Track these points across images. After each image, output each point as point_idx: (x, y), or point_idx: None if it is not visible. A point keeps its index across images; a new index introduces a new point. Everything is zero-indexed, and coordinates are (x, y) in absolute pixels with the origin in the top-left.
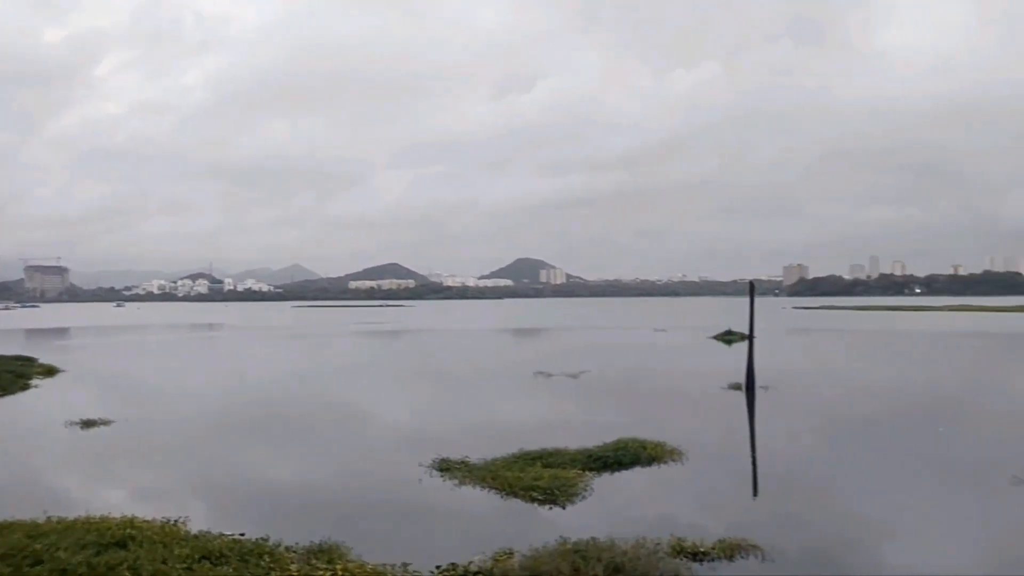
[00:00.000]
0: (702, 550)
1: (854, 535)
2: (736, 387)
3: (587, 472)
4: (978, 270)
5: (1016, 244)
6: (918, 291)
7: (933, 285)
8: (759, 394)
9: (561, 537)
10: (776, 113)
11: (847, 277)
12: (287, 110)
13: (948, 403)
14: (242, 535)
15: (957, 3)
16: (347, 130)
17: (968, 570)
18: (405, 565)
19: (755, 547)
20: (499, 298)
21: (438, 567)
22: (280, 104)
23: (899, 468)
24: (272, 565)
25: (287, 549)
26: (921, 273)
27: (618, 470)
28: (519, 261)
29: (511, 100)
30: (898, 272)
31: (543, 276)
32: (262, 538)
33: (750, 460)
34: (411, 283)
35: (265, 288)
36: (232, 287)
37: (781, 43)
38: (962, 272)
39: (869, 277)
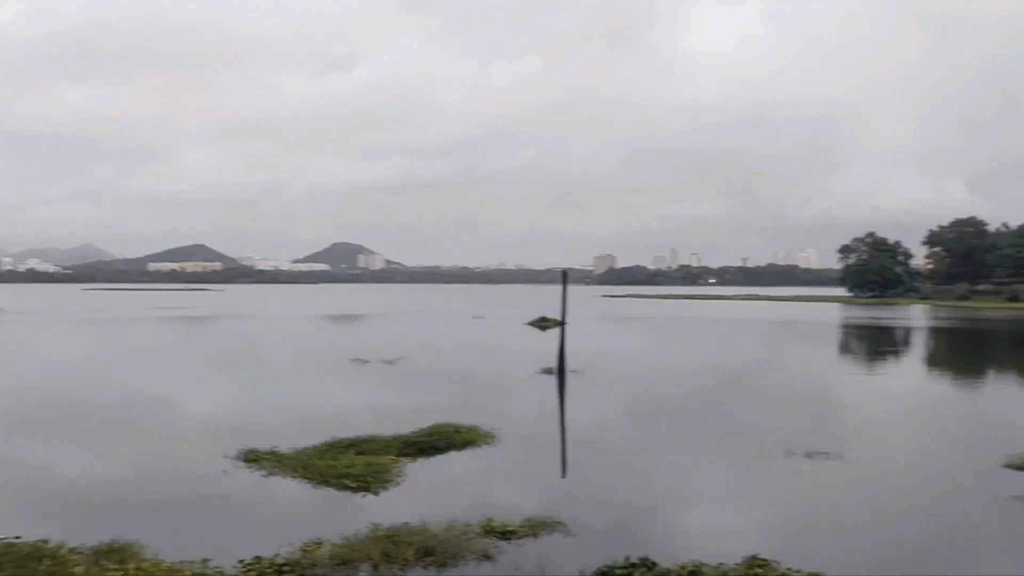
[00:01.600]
0: (510, 529)
1: (652, 507)
2: (548, 371)
3: (402, 458)
4: (763, 263)
5: (795, 240)
6: (712, 281)
7: (725, 276)
8: (570, 378)
9: (373, 524)
10: (591, 109)
11: (651, 267)
12: (81, 76)
13: (734, 383)
14: (17, 538)
15: (753, 17)
16: (151, 102)
17: (750, 532)
18: (205, 561)
19: (559, 523)
20: (315, 283)
21: (241, 561)
22: (73, 69)
23: (692, 444)
24: (54, 569)
25: (72, 551)
26: (715, 265)
27: (433, 455)
28: (336, 245)
29: (332, 79)
30: (695, 263)
31: (361, 261)
32: (42, 540)
33: (560, 441)
34: (218, 266)
35: (52, 269)
36: (12, 267)
37: (596, 43)
38: (750, 264)
39: (669, 268)
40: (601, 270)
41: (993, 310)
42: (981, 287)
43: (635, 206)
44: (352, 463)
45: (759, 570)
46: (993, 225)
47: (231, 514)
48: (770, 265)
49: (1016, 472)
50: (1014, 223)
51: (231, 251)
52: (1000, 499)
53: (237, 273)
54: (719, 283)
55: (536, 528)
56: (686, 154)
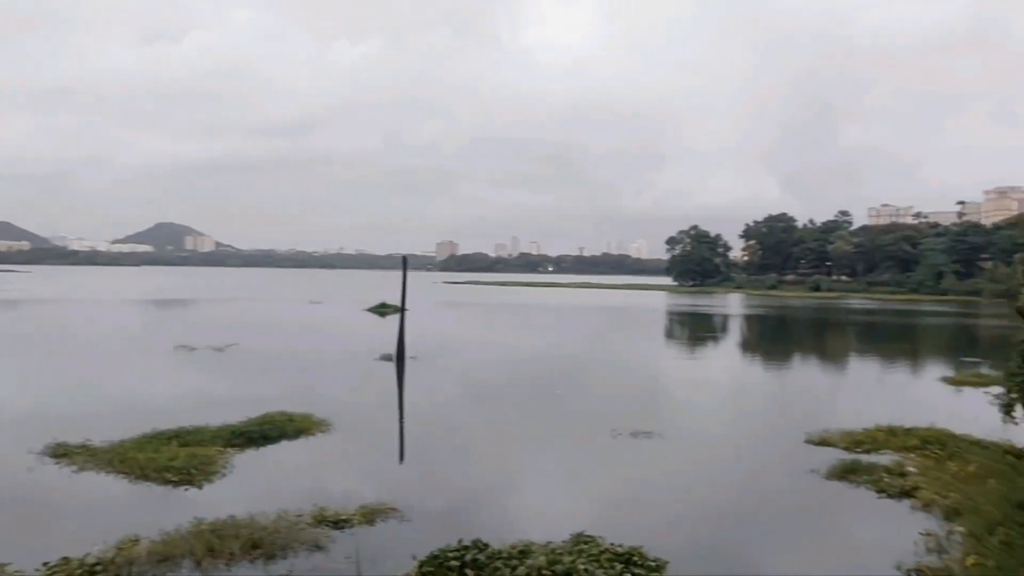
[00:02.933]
0: (344, 518)
1: (487, 490)
2: (387, 358)
3: (230, 449)
4: (598, 252)
5: (627, 231)
6: (550, 269)
7: (562, 264)
8: (409, 364)
9: (196, 518)
10: (435, 95)
11: (492, 254)
12: None
13: (567, 368)
14: None
15: (591, 14)
16: None
17: (578, 510)
18: (3, 566)
19: (395, 510)
20: (137, 265)
21: (45, 564)
22: None
23: (526, 427)
24: None
25: None
26: (553, 253)
27: (264, 445)
28: (161, 226)
29: (160, 49)
30: (535, 251)
31: (189, 243)
32: None
33: (398, 428)
34: (25, 245)
35: None
36: None
37: (441, 30)
38: (586, 253)
39: (510, 255)
40: (443, 256)
41: (797, 298)
42: (788, 277)
43: (477, 194)
44: (175, 455)
45: (584, 546)
46: (801, 222)
47: (36, 514)
48: (604, 254)
49: (814, 447)
50: (819, 220)
51: (41, 229)
52: (799, 472)
53: (47, 253)
54: (557, 271)
55: (371, 515)
56: (527, 144)
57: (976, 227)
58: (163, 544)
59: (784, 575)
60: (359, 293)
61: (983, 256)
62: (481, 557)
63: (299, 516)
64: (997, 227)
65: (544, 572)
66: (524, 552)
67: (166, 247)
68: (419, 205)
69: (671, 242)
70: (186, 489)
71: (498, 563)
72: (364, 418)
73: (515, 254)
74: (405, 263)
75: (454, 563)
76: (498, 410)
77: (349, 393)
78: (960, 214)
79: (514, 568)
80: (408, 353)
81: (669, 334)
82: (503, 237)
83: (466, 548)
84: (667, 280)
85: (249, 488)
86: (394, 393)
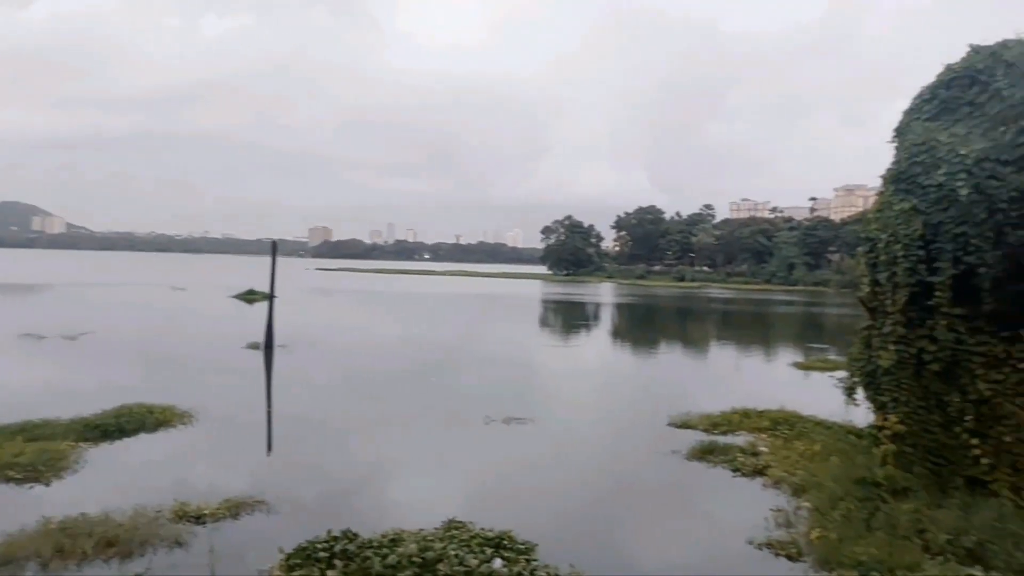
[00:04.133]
0: (206, 512)
1: (359, 480)
2: (255, 346)
3: (83, 443)
4: (475, 240)
5: (503, 219)
6: (427, 257)
7: (439, 252)
8: (278, 352)
9: (44, 517)
10: (309, 76)
11: (367, 241)
12: None
13: (442, 355)
14: None
15: (472, 1)
16: None
17: (450, 497)
18: None
19: (262, 502)
20: None
21: None
22: None
23: (399, 415)
24: None
25: None
26: (430, 241)
27: (120, 439)
28: (4, 205)
29: (3, 14)
30: (411, 239)
31: (36, 224)
32: None
33: (266, 418)
34: None
35: None
36: None
37: (318, 8)
38: (463, 242)
39: (386, 242)
40: (316, 242)
41: (663, 287)
42: (656, 267)
43: (353, 178)
44: (20, 451)
45: (455, 531)
46: (669, 214)
47: None
48: (480, 243)
49: (676, 430)
50: (685, 213)
51: None
52: (662, 454)
53: None
54: (433, 259)
55: (236, 509)
56: (405, 130)
57: (825, 222)
58: (5, 546)
59: (645, 553)
60: (225, 279)
61: (831, 249)
62: (351, 547)
63: (158, 512)
64: (844, 222)
65: (415, 559)
66: (395, 540)
67: (9, 227)
68: (291, 189)
69: (546, 232)
70: (31, 487)
71: (368, 552)
72: (230, 409)
73: (391, 241)
74: (275, 248)
75: (323, 554)
76: (371, 398)
77: (214, 383)
78: (812, 209)
79: (384, 557)
80: (277, 341)
81: (543, 322)
82: (379, 224)
83: (335, 539)
84: (542, 269)
85: (104, 484)
86: (262, 383)
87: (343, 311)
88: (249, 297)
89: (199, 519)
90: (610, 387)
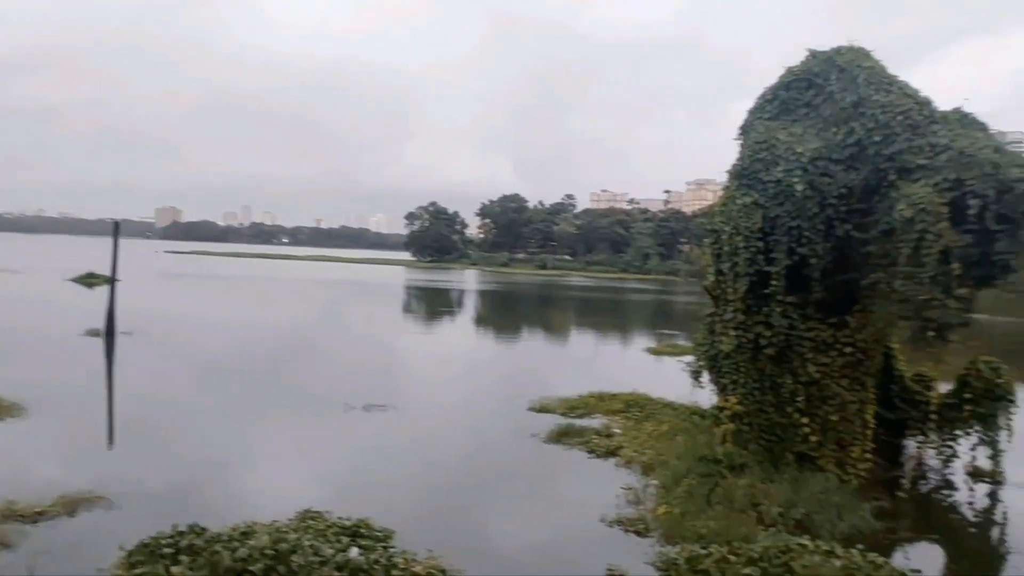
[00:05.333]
0: (39, 511)
1: (210, 472)
2: (95, 333)
3: None
4: (336, 225)
5: (367, 204)
6: (285, 241)
7: (298, 236)
8: (121, 340)
9: None
10: (159, 48)
11: (221, 223)
12: None
13: (300, 342)
14: None
15: None
16: None
17: (307, 487)
18: None
19: (102, 498)
20: None
21: None
22: None
23: (254, 405)
24: None
25: None
26: (289, 224)
27: None
28: None
29: None
30: (268, 222)
31: None
32: None
33: (106, 409)
34: None
35: None
36: None
37: None
38: (324, 226)
39: (241, 225)
40: (164, 223)
41: (525, 275)
42: (519, 255)
43: (206, 158)
44: None
45: (311, 522)
46: (532, 203)
47: None
48: (343, 227)
49: (536, 414)
50: (548, 202)
51: None
52: (521, 437)
53: None
54: (293, 243)
55: (73, 506)
56: (263, 108)
57: (677, 214)
58: None
59: (501, 534)
60: (62, 260)
61: (682, 240)
62: (198, 542)
63: None
64: (695, 215)
65: (267, 551)
66: (246, 533)
67: None
68: (137, 166)
69: (410, 217)
70: None
71: (217, 547)
72: (66, 400)
73: (247, 224)
74: (117, 228)
75: (167, 550)
76: (223, 387)
77: (49, 373)
78: (666, 202)
79: (235, 550)
80: (120, 328)
81: (407, 308)
82: (233, 205)
83: (181, 534)
84: (406, 255)
85: None
86: (102, 372)
87: (194, 296)
88: (89, 280)
89: (31, 518)
90: (472, 373)
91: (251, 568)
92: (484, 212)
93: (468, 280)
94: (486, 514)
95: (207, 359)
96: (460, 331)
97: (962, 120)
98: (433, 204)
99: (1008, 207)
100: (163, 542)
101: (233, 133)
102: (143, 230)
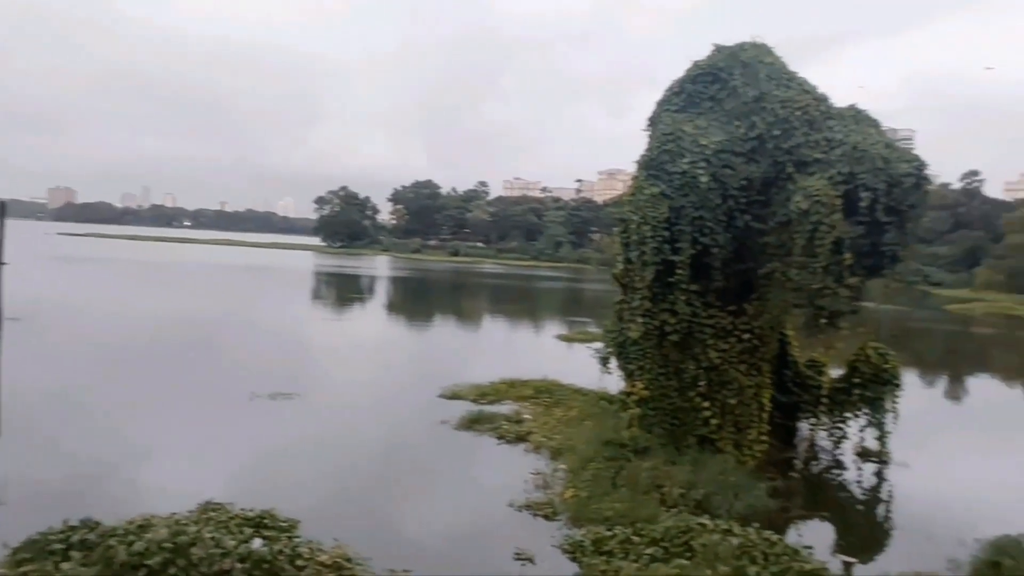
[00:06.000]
0: None
1: (106, 465)
2: None
3: None
4: (242, 208)
5: (274, 188)
6: (187, 224)
7: (201, 219)
8: (8, 327)
9: None
10: (51, 22)
11: (119, 205)
12: None
13: (204, 330)
14: None
15: None
16: None
17: (210, 478)
18: None
19: None
20: None
21: None
22: None
23: (155, 395)
24: None
25: None
26: (191, 207)
27: None
28: None
29: None
30: (169, 204)
31: None
32: None
33: None
34: None
35: None
36: None
37: None
38: (228, 209)
39: (141, 207)
40: (57, 205)
41: (438, 262)
42: (432, 242)
43: (104, 137)
44: None
45: (213, 513)
46: (445, 189)
47: None
48: (249, 211)
49: (447, 401)
50: (461, 189)
51: None
52: (431, 424)
53: None
54: (195, 226)
55: None
56: (165, 87)
57: (589, 203)
58: None
59: (410, 521)
60: None
61: (593, 229)
62: (91, 537)
63: None
64: (606, 204)
65: (165, 545)
66: (143, 527)
67: None
68: (27, 144)
69: (320, 202)
70: None
71: (112, 541)
72: None
73: (147, 206)
74: (3, 208)
75: (58, 546)
76: (121, 376)
77: None
78: (578, 191)
79: (131, 544)
80: (7, 314)
81: (316, 295)
82: (132, 187)
83: (72, 528)
84: (315, 240)
85: None
86: None
87: (90, 281)
88: None
89: None
90: (382, 361)
91: (148, 562)
92: (396, 198)
93: (379, 267)
94: (395, 502)
95: (103, 347)
96: (371, 318)
97: (856, 117)
98: (344, 189)
99: (896, 200)
100: (52, 538)
101: (134, 113)
102: (34, 211)
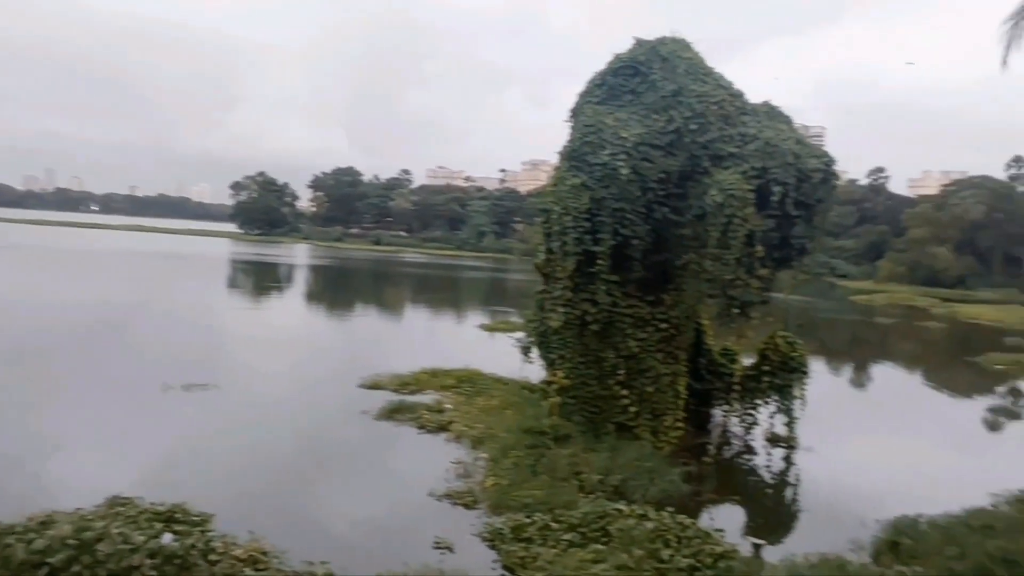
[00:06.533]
0: None
1: (11, 459)
2: None
3: None
4: (154, 193)
5: (189, 172)
6: (95, 208)
7: (111, 204)
8: None
9: None
10: None
11: (20, 188)
12: None
13: (113, 320)
14: None
15: None
16: None
17: (118, 472)
18: None
19: None
20: None
21: None
22: None
23: (62, 386)
24: None
25: None
26: (99, 191)
27: None
28: None
29: None
30: (76, 188)
31: None
32: None
33: None
34: None
35: None
36: None
37: None
38: (139, 194)
39: (44, 190)
40: None
41: (360, 251)
42: (354, 230)
43: (0, 113)
44: None
45: (121, 508)
46: (367, 177)
47: None
48: (161, 195)
49: (367, 391)
50: (384, 177)
51: None
52: (351, 414)
53: None
54: (104, 211)
55: None
56: (71, 63)
57: (512, 193)
58: None
59: (328, 513)
60: None
61: (516, 219)
62: None
63: None
64: (529, 194)
65: (69, 541)
66: (45, 523)
67: None
68: None
69: (236, 187)
70: None
71: (10, 539)
72: None
73: (51, 189)
74: None
75: None
76: (21, 368)
77: None
78: (502, 181)
79: (31, 542)
80: None
81: (232, 284)
82: (35, 169)
83: None
84: (232, 227)
85: None
86: None
87: None
88: None
89: None
90: (301, 350)
91: (50, 560)
92: (317, 184)
93: (299, 255)
94: (313, 493)
95: (5, 337)
96: (290, 308)
97: (770, 113)
98: (262, 174)
99: (806, 195)
100: None
101: (36, 89)
102: None
